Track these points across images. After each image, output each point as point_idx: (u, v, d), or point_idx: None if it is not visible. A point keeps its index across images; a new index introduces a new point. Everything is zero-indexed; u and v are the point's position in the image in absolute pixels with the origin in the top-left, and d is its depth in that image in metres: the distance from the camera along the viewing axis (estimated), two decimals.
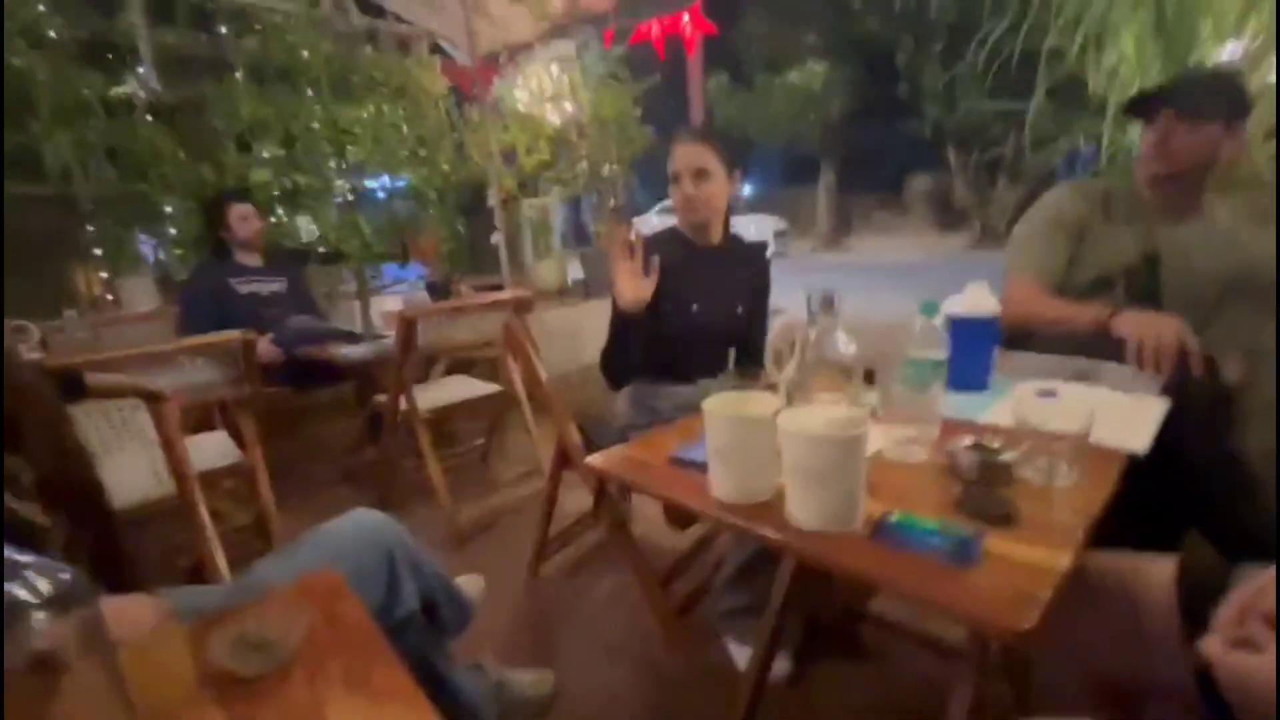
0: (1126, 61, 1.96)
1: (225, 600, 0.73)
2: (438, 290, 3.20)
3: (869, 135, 14.94)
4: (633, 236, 1.37)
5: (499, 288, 3.53)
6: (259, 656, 0.52)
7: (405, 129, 3.73)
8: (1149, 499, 1.11)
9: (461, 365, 2.91)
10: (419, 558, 0.93)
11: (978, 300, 1.15)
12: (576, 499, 1.82)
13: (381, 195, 3.81)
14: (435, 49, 4.19)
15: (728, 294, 1.55)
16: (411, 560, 0.91)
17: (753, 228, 13.33)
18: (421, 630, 0.95)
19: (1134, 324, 1.18)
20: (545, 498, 1.73)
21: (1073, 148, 3.05)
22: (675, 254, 1.50)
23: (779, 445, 0.73)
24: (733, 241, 1.62)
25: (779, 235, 13.89)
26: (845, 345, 0.81)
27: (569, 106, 3.78)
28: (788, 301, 0.99)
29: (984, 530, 0.69)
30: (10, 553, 0.34)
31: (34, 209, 2.68)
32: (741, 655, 1.37)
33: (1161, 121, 1.33)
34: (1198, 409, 1.07)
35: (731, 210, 1.59)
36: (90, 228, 2.84)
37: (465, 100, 4.00)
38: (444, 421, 2.59)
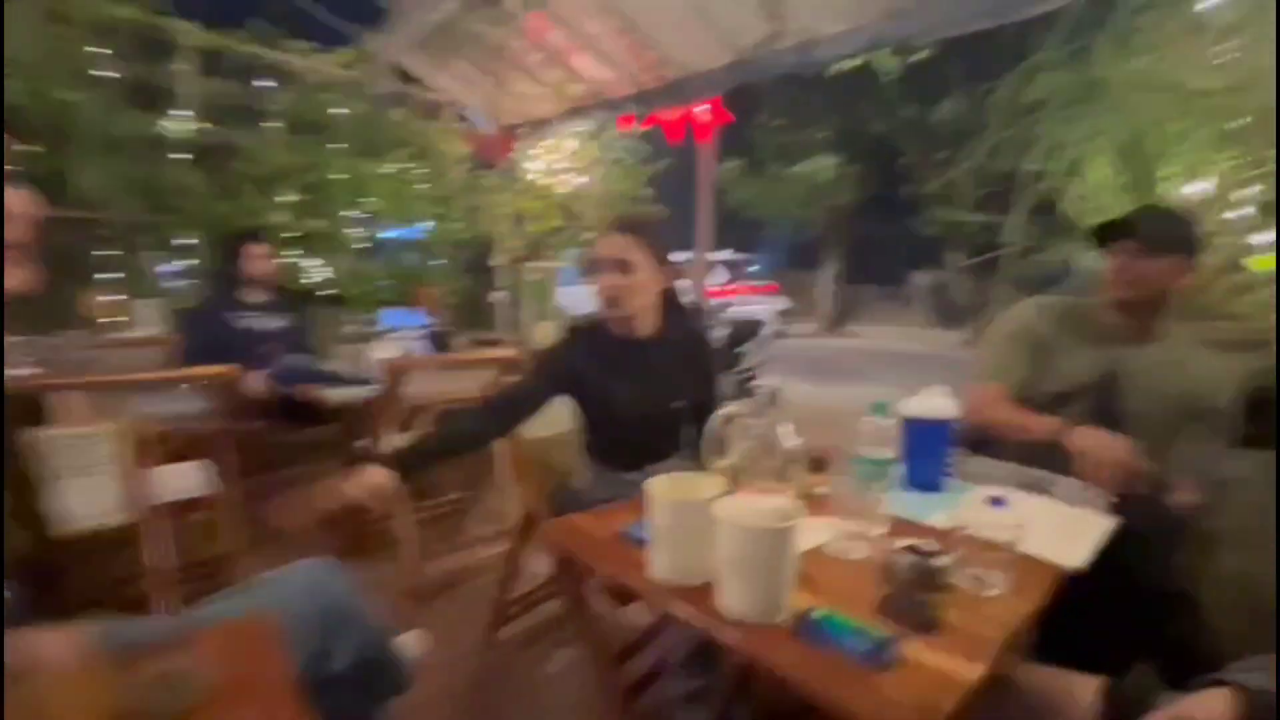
0: (1097, 190, 2.09)
1: (158, 636, 0.74)
2: (439, 341, 3.27)
3: (874, 229, 15.50)
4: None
5: (497, 344, 3.61)
6: (169, 697, 0.54)
7: (423, 187, 3.92)
8: (1099, 617, 1.12)
9: None
10: (360, 614, 0.93)
11: (934, 403, 1.19)
12: (546, 562, 1.81)
13: (393, 246, 3.96)
14: (461, 116, 4.45)
15: (660, 388, 1.47)
16: (351, 616, 0.91)
17: (756, 306, 13.65)
18: (353, 689, 0.95)
19: (1086, 439, 1.22)
20: (507, 560, 1.72)
21: (1064, 262, 3.17)
22: (597, 347, 1.44)
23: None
24: (669, 332, 1.51)
25: (783, 314, 14.20)
26: (788, 438, 0.85)
27: (581, 179, 3.97)
28: (782, 380, 1.02)
29: (904, 634, 0.70)
30: None
31: (55, 230, 2.80)
32: None
33: (1122, 251, 1.41)
34: (1143, 530, 1.09)
35: (680, 302, 1.56)
36: (109, 253, 2.95)
37: (483, 165, 4.22)
38: (425, 473, 2.59)
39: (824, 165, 13.99)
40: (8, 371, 1.60)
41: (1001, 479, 1.27)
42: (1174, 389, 1.42)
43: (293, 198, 3.39)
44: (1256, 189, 1.85)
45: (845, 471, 0.99)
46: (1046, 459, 1.27)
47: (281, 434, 2.67)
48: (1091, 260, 2.23)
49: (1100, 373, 1.45)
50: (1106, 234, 1.44)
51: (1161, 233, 1.37)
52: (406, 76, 4.04)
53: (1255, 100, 1.76)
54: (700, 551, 0.79)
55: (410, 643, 1.37)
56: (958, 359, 10.32)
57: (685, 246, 4.15)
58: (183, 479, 1.80)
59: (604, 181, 4.01)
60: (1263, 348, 1.84)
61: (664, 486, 0.82)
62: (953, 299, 14.84)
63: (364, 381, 2.55)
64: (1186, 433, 1.42)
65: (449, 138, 4.16)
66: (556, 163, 4.07)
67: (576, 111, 3.93)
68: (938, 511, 1.10)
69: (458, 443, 1.36)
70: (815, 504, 1.05)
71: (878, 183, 14.40)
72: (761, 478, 0.84)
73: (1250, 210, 1.85)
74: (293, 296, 3.17)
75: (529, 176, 4.15)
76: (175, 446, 2.14)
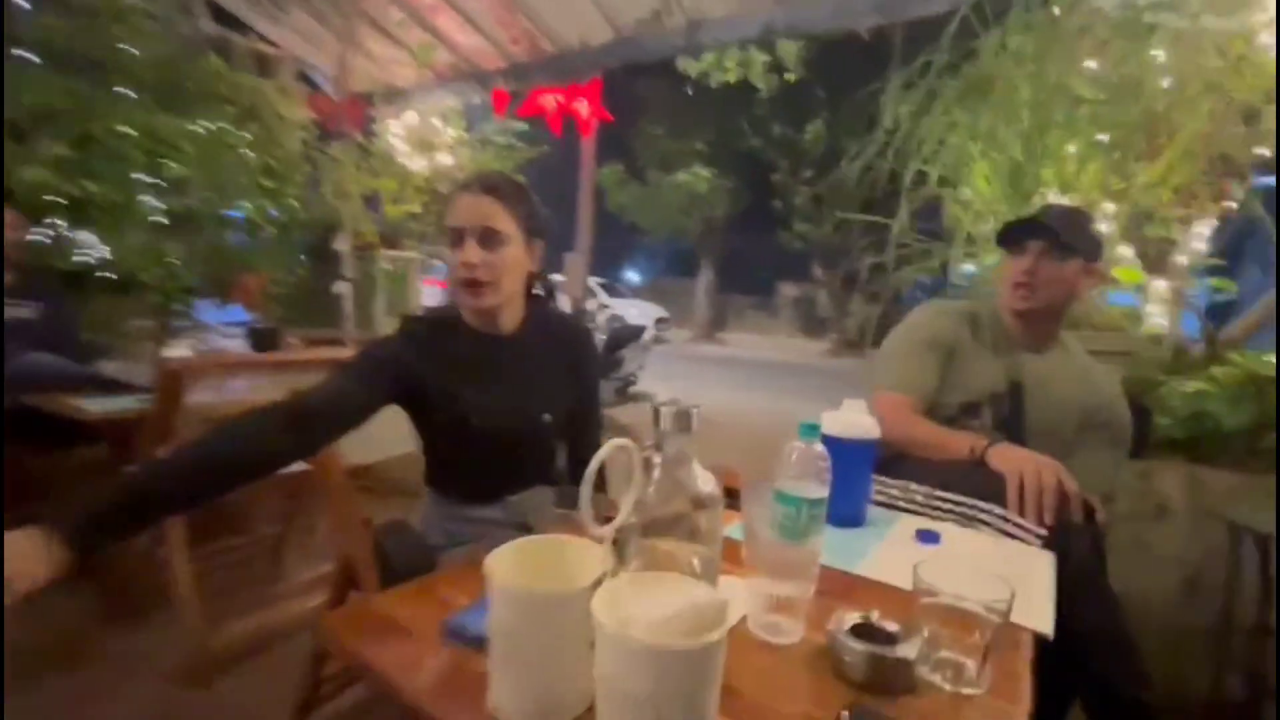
0: (979, 196, 2.07)
1: None
2: (262, 340, 2.70)
3: (746, 241, 16.20)
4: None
5: (338, 343, 3.07)
6: None
7: (250, 154, 3.27)
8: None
9: None
10: None
11: (856, 419, 0.99)
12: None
13: (206, 222, 3.26)
14: (304, 77, 3.82)
15: (524, 395, 1.16)
16: None
17: (634, 311, 13.65)
18: None
19: (1012, 460, 1.07)
20: (319, 626, 1.31)
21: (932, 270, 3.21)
22: (445, 344, 1.11)
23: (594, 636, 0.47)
24: (537, 326, 1.20)
25: (661, 322, 14.34)
26: (703, 481, 0.58)
27: (447, 159, 3.54)
28: (663, 388, 0.78)
29: None
30: None
31: None
32: None
33: (1030, 252, 1.31)
34: (1078, 561, 0.96)
35: (551, 290, 1.28)
36: None
37: (329, 135, 3.63)
38: (222, 504, 2.05)
39: (701, 176, 14.34)
40: None
41: (920, 506, 1.10)
42: (1075, 398, 1.35)
43: (58, 151, 2.64)
44: (1115, 207, 1.90)
45: (760, 511, 0.74)
46: (960, 481, 1.12)
47: (22, 457, 2.00)
48: (968, 269, 2.22)
49: (1007, 381, 1.34)
50: (1014, 234, 1.34)
51: (1070, 233, 1.29)
52: (229, 19, 3.37)
53: (1123, 114, 1.79)
54: (570, 668, 0.49)
55: None
56: (821, 367, 10.94)
57: (565, 246, 3.85)
58: None
59: (473, 164, 3.60)
60: (1128, 357, 1.89)
61: (511, 562, 0.51)
62: (816, 310, 15.91)
63: (148, 390, 1.98)
64: (1085, 443, 1.35)
65: (286, 99, 3.52)
66: (419, 139, 3.59)
67: (441, 82, 3.49)
68: (866, 551, 0.90)
69: (228, 471, 0.85)
70: (725, 554, 0.80)
71: (750, 196, 15.03)
72: (667, 538, 0.56)
73: (1112, 224, 1.90)
74: (51, 278, 2.47)
75: (386, 153, 3.63)
76: None
